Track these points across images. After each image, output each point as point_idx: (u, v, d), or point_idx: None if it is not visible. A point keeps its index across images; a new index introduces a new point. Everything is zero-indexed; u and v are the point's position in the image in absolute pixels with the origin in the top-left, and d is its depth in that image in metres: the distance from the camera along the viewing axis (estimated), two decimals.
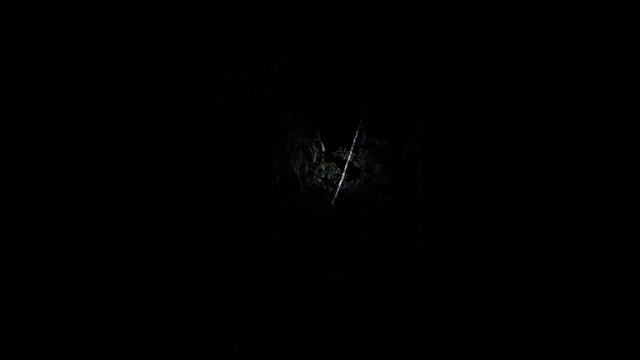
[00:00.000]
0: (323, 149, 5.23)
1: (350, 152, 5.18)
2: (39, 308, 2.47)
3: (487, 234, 2.51)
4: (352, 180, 5.23)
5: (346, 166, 5.23)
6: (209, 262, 2.69)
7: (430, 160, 2.68)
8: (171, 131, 2.66)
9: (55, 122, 2.54)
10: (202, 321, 2.64)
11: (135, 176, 2.60)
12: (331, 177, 5.24)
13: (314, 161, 5.24)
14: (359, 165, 5.21)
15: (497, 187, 2.53)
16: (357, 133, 5.18)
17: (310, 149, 5.23)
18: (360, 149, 5.18)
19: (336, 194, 5.27)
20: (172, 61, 2.68)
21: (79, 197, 2.54)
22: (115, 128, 2.59)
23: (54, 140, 2.53)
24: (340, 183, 5.27)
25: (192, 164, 2.66)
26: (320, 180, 5.24)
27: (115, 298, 2.54)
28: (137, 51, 2.61)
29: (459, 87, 2.62)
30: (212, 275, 2.70)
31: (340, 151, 5.19)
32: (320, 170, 5.25)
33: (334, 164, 5.24)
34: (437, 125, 2.65)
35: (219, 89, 3.94)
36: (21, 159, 2.50)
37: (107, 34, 2.56)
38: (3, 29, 2.48)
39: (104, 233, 2.56)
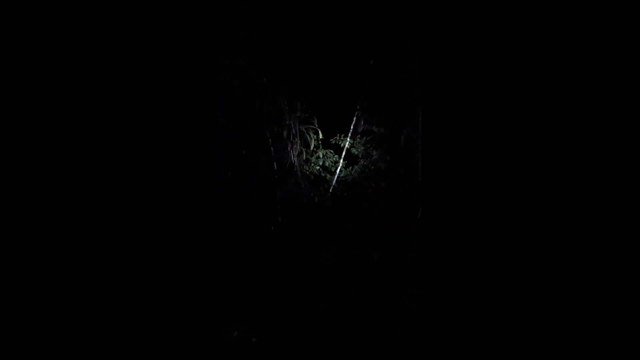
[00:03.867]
0: (320, 136, 5.21)
1: (348, 139, 5.17)
2: (38, 305, 2.47)
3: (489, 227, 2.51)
4: (350, 167, 5.23)
5: (344, 153, 5.22)
6: (208, 252, 2.69)
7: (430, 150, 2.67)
8: (170, 121, 2.63)
9: (55, 121, 2.51)
10: (202, 308, 2.65)
11: (133, 167, 2.58)
12: (329, 164, 5.23)
13: (312, 148, 5.22)
14: (356, 152, 5.20)
15: (495, 184, 2.51)
16: (354, 120, 5.16)
17: (308, 136, 5.20)
18: (358, 136, 5.16)
19: (334, 181, 5.27)
20: (168, 53, 2.64)
21: (78, 196, 2.52)
22: (111, 118, 2.56)
23: (54, 139, 2.50)
24: (337, 170, 5.25)
25: (191, 152, 2.64)
26: (318, 167, 5.23)
27: (113, 280, 2.53)
28: (131, 41, 2.57)
29: (460, 80, 2.60)
30: (212, 265, 2.70)
31: (338, 138, 5.17)
32: (318, 157, 5.23)
33: (332, 151, 5.22)
34: (437, 116, 2.64)
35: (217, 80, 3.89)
36: (16, 155, 2.48)
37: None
38: (3, 29, 2.43)
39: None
